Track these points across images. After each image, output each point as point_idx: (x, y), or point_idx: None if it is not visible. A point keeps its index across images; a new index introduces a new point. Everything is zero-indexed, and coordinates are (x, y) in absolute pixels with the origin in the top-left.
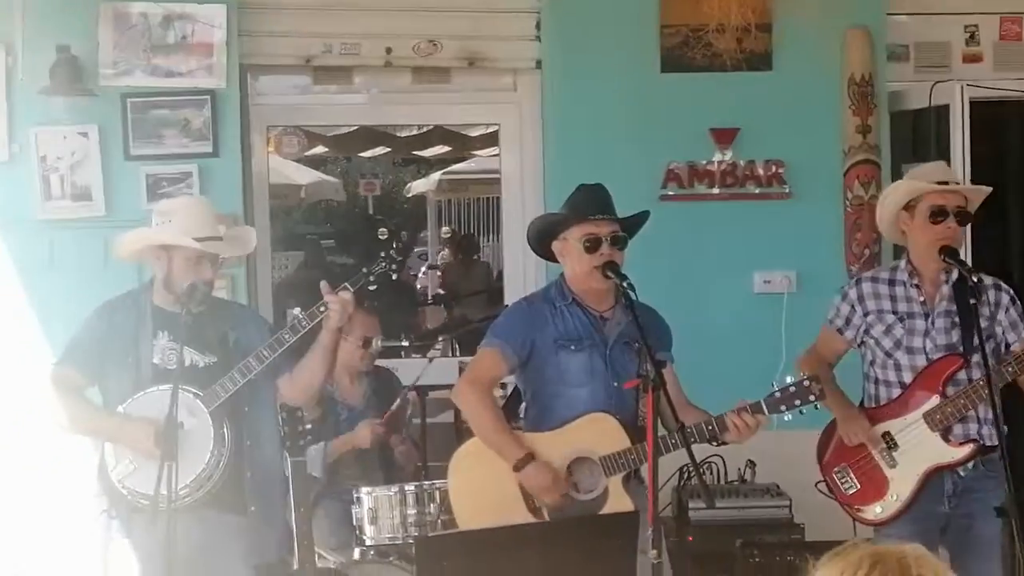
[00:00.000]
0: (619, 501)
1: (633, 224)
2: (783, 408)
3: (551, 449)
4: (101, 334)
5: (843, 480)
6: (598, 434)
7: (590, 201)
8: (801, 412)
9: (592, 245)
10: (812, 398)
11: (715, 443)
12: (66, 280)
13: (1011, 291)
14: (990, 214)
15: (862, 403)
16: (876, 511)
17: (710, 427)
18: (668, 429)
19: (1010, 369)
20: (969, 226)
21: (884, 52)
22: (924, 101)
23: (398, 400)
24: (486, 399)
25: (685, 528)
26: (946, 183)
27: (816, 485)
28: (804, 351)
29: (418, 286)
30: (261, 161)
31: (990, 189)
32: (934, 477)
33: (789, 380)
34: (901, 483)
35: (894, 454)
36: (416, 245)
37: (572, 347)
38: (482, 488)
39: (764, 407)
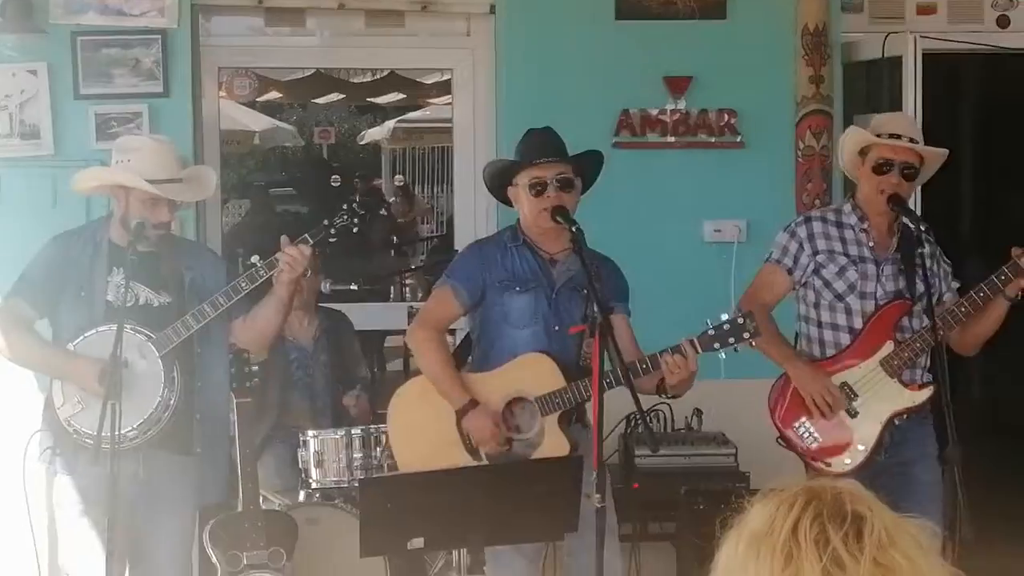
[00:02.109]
0: (554, 441)
1: (585, 165)
2: (717, 345)
3: (489, 389)
4: (55, 265)
5: (804, 434)
6: (534, 374)
7: (536, 145)
8: (735, 350)
9: (539, 189)
10: (747, 335)
11: (663, 395)
12: (14, 219)
13: (938, 246)
14: (941, 167)
15: (797, 343)
16: (845, 462)
17: (643, 365)
18: (611, 372)
19: (963, 310)
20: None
21: (838, 2)
22: (877, 52)
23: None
24: (435, 340)
25: (631, 475)
26: (899, 136)
27: (777, 440)
28: (742, 296)
29: None
30: (212, 103)
31: (946, 152)
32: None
33: (724, 317)
34: (865, 432)
35: (855, 404)
36: (372, 194)
37: (517, 288)
38: (422, 427)
39: (697, 344)
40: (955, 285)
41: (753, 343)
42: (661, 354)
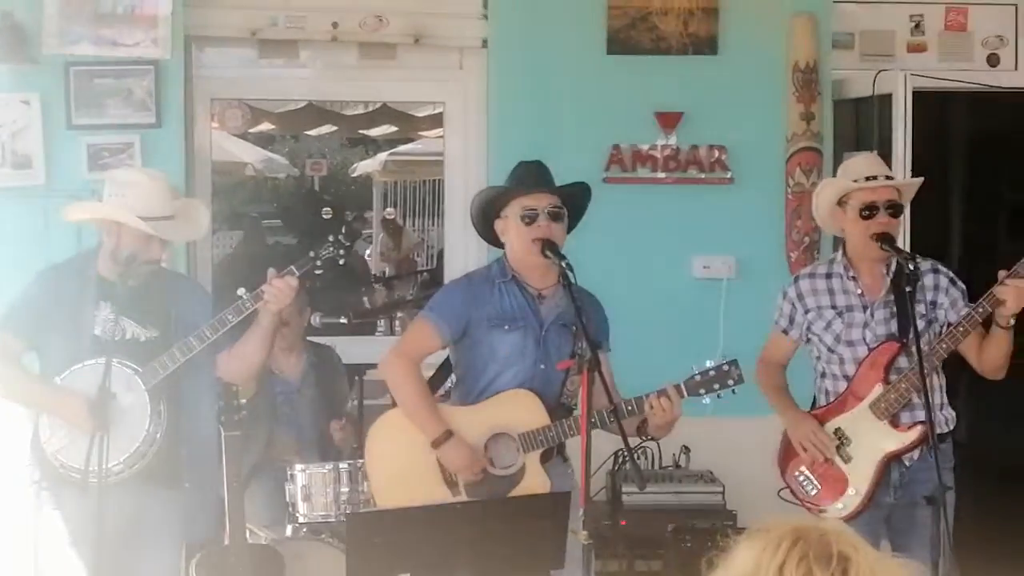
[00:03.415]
0: (535, 478)
1: (574, 198)
2: (702, 391)
3: (470, 423)
4: (43, 298)
5: (804, 483)
6: (517, 410)
7: (528, 175)
8: (719, 396)
9: (530, 218)
10: (731, 383)
11: (643, 437)
12: (5, 249)
13: (949, 272)
14: (931, 205)
15: (814, 398)
16: (839, 508)
17: (629, 407)
18: (598, 413)
19: (944, 345)
20: (908, 215)
21: (829, 39)
22: (868, 90)
23: None
24: (412, 372)
25: (618, 512)
26: (875, 176)
27: (779, 493)
28: (759, 356)
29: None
30: (204, 134)
31: (921, 180)
32: (890, 465)
33: (709, 364)
34: (858, 477)
35: (847, 449)
36: (362, 227)
37: (506, 327)
38: (399, 458)
39: (683, 389)
40: (964, 312)
41: (735, 391)
42: (647, 396)
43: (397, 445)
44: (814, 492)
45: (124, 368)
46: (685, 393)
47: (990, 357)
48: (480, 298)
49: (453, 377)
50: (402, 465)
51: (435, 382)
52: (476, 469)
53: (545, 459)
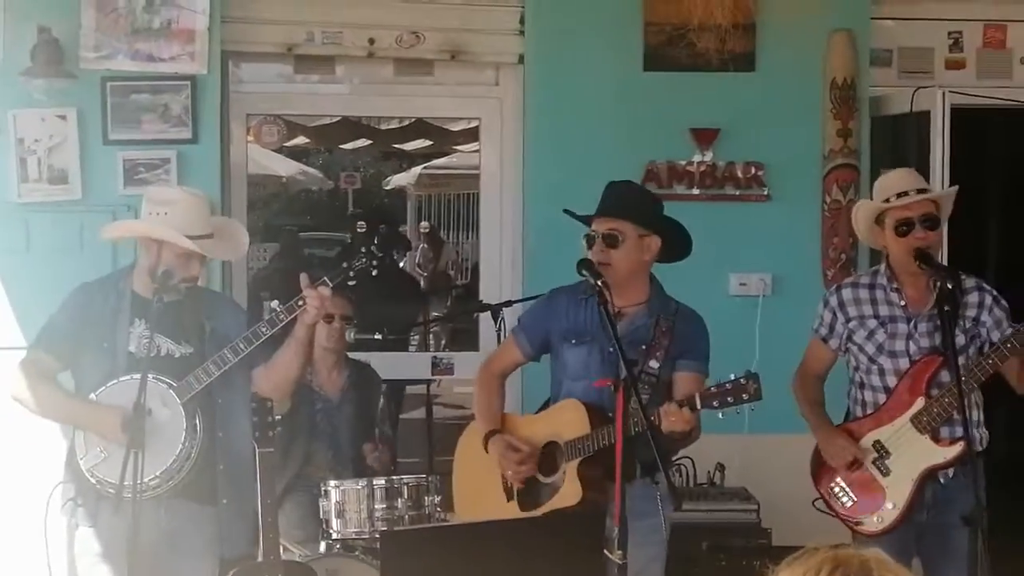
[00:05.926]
0: (570, 487)
1: (634, 219)
2: (715, 404)
3: (530, 431)
4: (77, 317)
5: (839, 494)
6: (565, 420)
7: (601, 201)
8: (736, 412)
9: (588, 243)
10: (745, 397)
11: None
12: (42, 264)
13: (994, 291)
14: (969, 221)
15: (848, 409)
16: (875, 521)
17: (654, 417)
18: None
19: (990, 362)
20: (946, 232)
21: (867, 56)
22: (906, 107)
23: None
24: (485, 382)
25: None
26: (907, 192)
27: (814, 503)
28: (797, 368)
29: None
30: (240, 149)
31: (956, 190)
32: (926, 482)
33: (732, 377)
34: (896, 490)
35: (887, 462)
36: (397, 239)
37: (574, 341)
38: (472, 466)
39: (697, 402)
40: (1008, 332)
41: (753, 407)
42: (662, 407)
43: (472, 454)
44: (850, 504)
45: (159, 383)
46: (699, 404)
47: None
48: (558, 312)
49: None
50: (474, 472)
51: None
52: (513, 466)
53: (584, 467)
